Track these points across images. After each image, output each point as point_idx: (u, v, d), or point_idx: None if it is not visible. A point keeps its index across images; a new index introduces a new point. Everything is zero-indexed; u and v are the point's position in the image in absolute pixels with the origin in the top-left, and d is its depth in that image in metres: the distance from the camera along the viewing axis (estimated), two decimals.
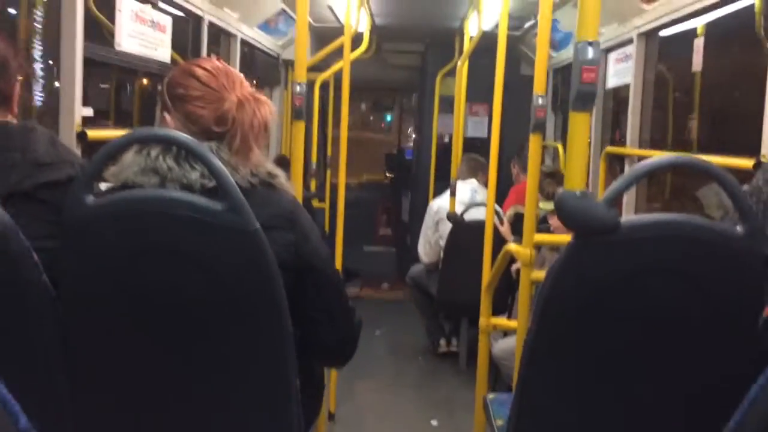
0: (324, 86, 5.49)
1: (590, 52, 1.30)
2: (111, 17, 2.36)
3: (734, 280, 1.26)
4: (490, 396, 1.92)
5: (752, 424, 0.68)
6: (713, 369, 1.28)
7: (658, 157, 1.31)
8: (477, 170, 4.47)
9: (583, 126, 1.36)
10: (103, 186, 1.35)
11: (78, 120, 2.09)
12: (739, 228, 1.26)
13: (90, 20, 2.21)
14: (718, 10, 2.68)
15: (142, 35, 2.49)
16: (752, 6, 2.40)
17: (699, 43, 2.92)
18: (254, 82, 4.38)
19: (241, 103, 1.39)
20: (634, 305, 1.27)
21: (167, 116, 1.42)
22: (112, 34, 2.37)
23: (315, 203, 5.14)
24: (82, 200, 1.22)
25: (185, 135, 1.27)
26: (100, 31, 2.39)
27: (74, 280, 1.25)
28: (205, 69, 1.42)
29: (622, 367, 1.31)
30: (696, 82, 3.31)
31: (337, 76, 4.71)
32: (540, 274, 2.10)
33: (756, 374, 0.84)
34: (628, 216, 1.29)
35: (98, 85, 3.35)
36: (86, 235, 1.24)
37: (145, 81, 3.52)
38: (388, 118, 9.36)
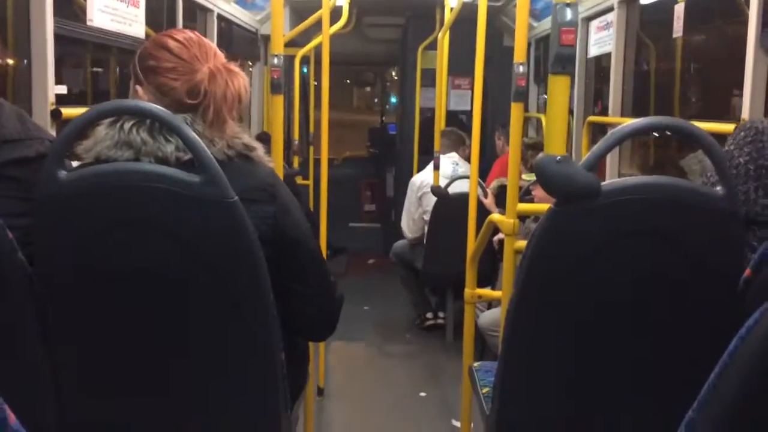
0: (305, 62, 5.43)
1: (568, 14, 1.28)
2: None
3: (715, 241, 1.26)
4: (476, 364, 1.93)
5: (732, 378, 0.68)
6: (697, 330, 1.28)
7: (638, 120, 1.31)
8: (457, 144, 4.47)
9: (563, 89, 1.35)
10: (75, 164, 1.32)
11: (51, 98, 2.05)
12: (719, 189, 1.26)
13: None
14: None
15: (115, 10, 2.44)
16: None
17: (680, 9, 2.90)
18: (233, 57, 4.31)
19: (213, 75, 1.36)
20: (617, 269, 1.27)
21: (139, 89, 1.39)
22: (83, 10, 2.32)
23: (298, 180, 5.11)
24: (55, 176, 1.19)
25: (160, 107, 1.25)
26: (71, 6, 2.33)
27: (50, 257, 1.23)
28: (177, 40, 1.39)
29: (606, 332, 1.31)
30: (677, 48, 3.31)
31: (318, 51, 4.66)
32: (524, 244, 2.09)
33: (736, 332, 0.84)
34: (608, 180, 1.29)
35: (74, 66, 3.28)
36: (60, 211, 1.21)
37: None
38: (393, 99, 9.07)
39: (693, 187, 1.29)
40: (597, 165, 1.27)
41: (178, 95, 1.35)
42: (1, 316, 1.19)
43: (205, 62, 1.37)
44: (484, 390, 1.74)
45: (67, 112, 2.08)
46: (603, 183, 1.25)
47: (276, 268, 1.36)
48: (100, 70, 3.40)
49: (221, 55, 1.43)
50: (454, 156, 4.42)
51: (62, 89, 2.19)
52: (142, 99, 1.36)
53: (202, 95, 1.35)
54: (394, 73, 8.49)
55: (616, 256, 1.26)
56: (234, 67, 1.41)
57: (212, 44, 1.44)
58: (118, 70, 3.28)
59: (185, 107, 1.35)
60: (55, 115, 2.04)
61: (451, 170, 4.31)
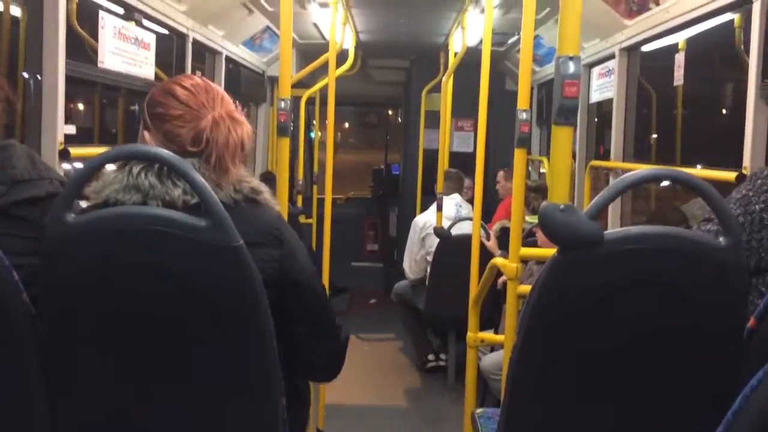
0: (310, 102, 5.50)
1: (571, 67, 1.30)
2: (94, 34, 2.36)
3: (719, 291, 1.26)
4: (478, 411, 1.91)
5: (744, 425, 0.67)
6: (700, 381, 1.28)
7: (641, 170, 1.32)
8: (460, 185, 4.51)
9: (566, 139, 1.36)
10: (83, 204, 1.34)
11: (60, 138, 2.08)
12: (722, 240, 1.27)
13: (73, 37, 2.20)
14: (699, 25, 2.72)
15: (126, 52, 2.49)
16: (732, 21, 2.44)
17: (680, 58, 2.95)
18: (236, 102, 4.38)
19: (215, 122, 1.37)
20: (619, 318, 1.27)
21: (147, 134, 1.41)
22: (95, 51, 2.36)
23: (302, 219, 5.13)
24: (63, 218, 1.20)
25: (169, 152, 1.26)
26: (83, 48, 2.38)
27: (56, 298, 1.23)
28: (184, 87, 1.40)
29: (609, 380, 1.30)
30: (678, 96, 3.36)
31: (323, 93, 4.73)
32: (527, 288, 2.09)
33: (740, 384, 0.84)
34: (612, 229, 1.30)
35: (84, 104, 3.33)
36: (68, 253, 1.22)
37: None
38: None
39: (696, 238, 1.30)
40: (600, 214, 1.27)
41: (183, 142, 1.37)
42: (5, 357, 1.19)
43: (212, 109, 1.39)
44: None
45: (76, 152, 2.10)
46: (606, 232, 1.26)
47: (281, 311, 1.36)
48: (106, 106, 3.45)
49: (228, 101, 1.44)
50: (456, 197, 4.45)
51: (71, 129, 2.22)
52: (150, 144, 1.38)
53: (205, 143, 1.36)
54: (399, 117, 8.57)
55: (618, 306, 1.26)
56: (238, 114, 1.42)
57: (220, 89, 1.45)
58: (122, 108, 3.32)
59: (189, 154, 1.35)
60: (64, 155, 2.07)
61: (454, 212, 4.34)
